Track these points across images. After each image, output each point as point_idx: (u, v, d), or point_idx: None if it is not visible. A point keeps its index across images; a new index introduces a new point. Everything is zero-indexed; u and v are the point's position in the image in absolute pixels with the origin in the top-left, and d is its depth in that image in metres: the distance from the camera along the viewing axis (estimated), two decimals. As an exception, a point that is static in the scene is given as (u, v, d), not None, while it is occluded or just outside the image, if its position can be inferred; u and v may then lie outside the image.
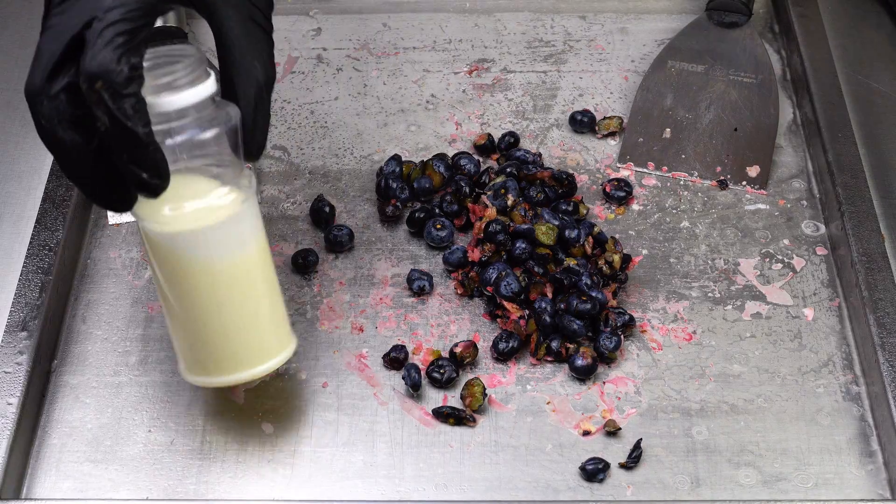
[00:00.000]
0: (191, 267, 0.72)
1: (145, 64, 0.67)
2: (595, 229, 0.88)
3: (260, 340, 0.76)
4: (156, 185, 0.67)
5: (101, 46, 0.64)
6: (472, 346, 0.84)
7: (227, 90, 0.71)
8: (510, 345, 0.84)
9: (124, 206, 0.70)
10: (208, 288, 0.73)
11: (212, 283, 0.73)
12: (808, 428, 0.81)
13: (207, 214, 0.71)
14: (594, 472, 0.78)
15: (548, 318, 0.83)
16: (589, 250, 0.87)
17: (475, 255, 0.87)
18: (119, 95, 0.64)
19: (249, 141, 0.71)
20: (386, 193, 0.93)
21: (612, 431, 0.80)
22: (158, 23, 0.75)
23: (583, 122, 0.98)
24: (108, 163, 0.67)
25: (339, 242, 0.90)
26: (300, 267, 0.89)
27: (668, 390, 0.83)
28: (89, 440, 0.80)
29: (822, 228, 0.92)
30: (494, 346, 0.84)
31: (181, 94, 0.69)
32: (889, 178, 0.94)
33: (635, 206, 0.93)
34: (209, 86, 0.70)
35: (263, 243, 0.75)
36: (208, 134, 0.70)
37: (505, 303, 0.84)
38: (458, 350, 0.83)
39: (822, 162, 0.94)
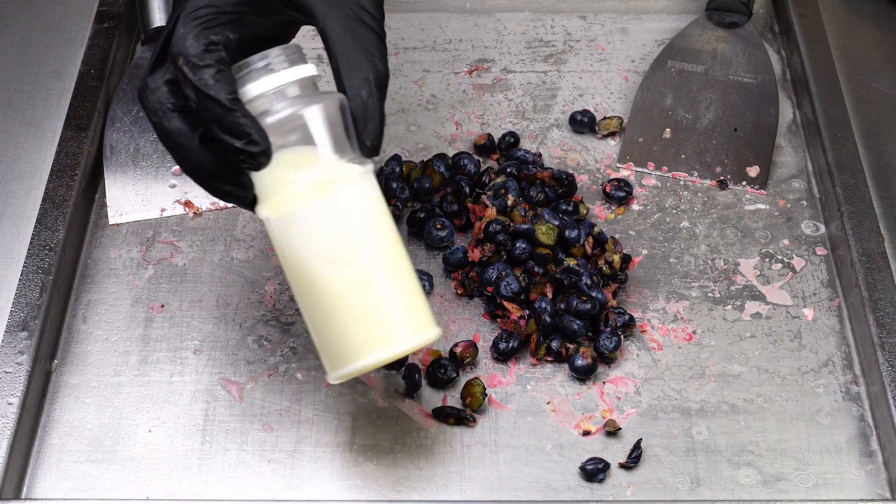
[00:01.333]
0: (316, 246, 0.72)
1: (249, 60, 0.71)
2: (595, 229, 0.88)
3: (414, 310, 0.73)
4: (253, 152, 0.69)
5: (181, 31, 0.69)
6: (472, 346, 0.84)
7: (338, 87, 0.72)
8: (510, 345, 0.84)
9: (241, 190, 0.71)
10: (363, 253, 0.72)
11: (367, 244, 0.72)
12: (808, 428, 0.81)
13: (326, 186, 0.71)
14: (594, 472, 0.78)
15: (548, 318, 0.83)
16: (589, 250, 0.87)
17: (475, 255, 0.87)
18: (197, 67, 0.68)
19: (361, 131, 0.71)
20: (386, 193, 0.92)
21: (612, 431, 0.80)
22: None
23: (583, 122, 0.98)
24: (215, 150, 0.70)
25: (339, 242, 0.90)
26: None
27: (668, 390, 0.83)
28: (89, 440, 0.80)
29: (822, 228, 0.92)
30: (494, 346, 0.84)
31: (275, 74, 0.71)
32: (889, 178, 0.94)
33: (635, 206, 0.94)
34: (305, 69, 0.71)
35: (388, 219, 0.73)
36: (310, 111, 0.70)
37: (505, 303, 0.84)
38: (458, 350, 0.83)
39: (822, 162, 0.94)
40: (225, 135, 0.68)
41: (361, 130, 0.71)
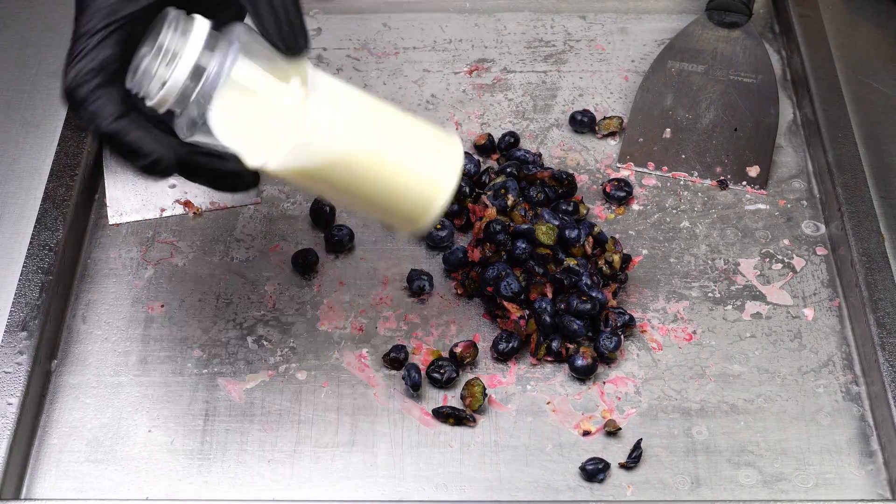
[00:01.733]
0: (332, 158, 0.70)
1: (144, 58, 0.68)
2: (595, 229, 0.88)
3: (439, 133, 0.73)
4: (153, 164, 0.69)
5: (81, 108, 0.69)
6: (472, 346, 0.84)
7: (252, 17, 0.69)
8: (510, 345, 0.84)
9: (239, 185, 0.72)
10: (366, 155, 0.71)
11: (360, 154, 0.71)
12: (808, 428, 0.81)
13: (300, 111, 0.68)
14: (594, 472, 0.78)
15: (548, 318, 0.83)
16: (589, 250, 0.87)
17: (475, 255, 0.87)
18: (83, 103, 0.69)
19: (275, 35, 0.68)
20: (386, 193, 0.92)
21: (612, 431, 0.80)
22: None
23: (583, 122, 0.98)
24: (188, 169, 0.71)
25: (339, 242, 0.90)
26: (300, 267, 0.89)
27: (668, 390, 0.83)
28: (89, 440, 0.80)
29: (822, 228, 0.92)
30: (494, 346, 0.84)
31: (175, 66, 0.67)
32: (889, 178, 0.94)
33: (635, 206, 0.93)
34: (197, 33, 0.68)
35: (361, 96, 0.72)
36: (225, 66, 0.67)
37: (505, 303, 0.84)
38: (458, 350, 0.83)
39: (822, 162, 0.94)
40: (128, 158, 0.69)
41: (274, 35, 0.68)
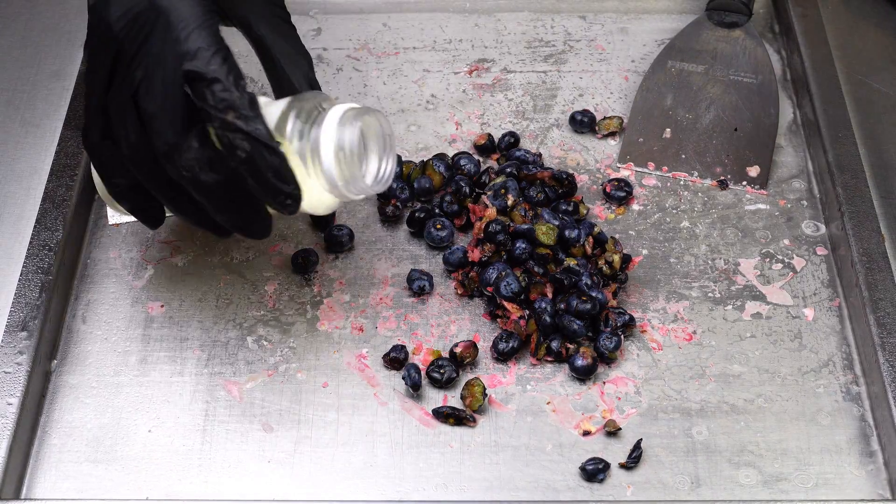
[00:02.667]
0: None
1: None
2: (595, 229, 0.88)
3: None
4: (295, 194, 0.73)
5: (216, 85, 0.71)
6: (472, 346, 0.84)
7: (281, 84, 0.79)
8: (510, 345, 0.84)
9: (266, 231, 0.77)
10: None
11: None
12: (809, 428, 0.81)
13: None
14: (594, 472, 0.78)
15: (548, 318, 0.83)
16: (589, 250, 0.87)
17: (475, 255, 0.87)
18: (249, 118, 0.71)
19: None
20: (386, 193, 0.93)
21: (612, 431, 0.80)
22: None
23: (583, 122, 0.98)
24: (243, 198, 0.75)
25: (339, 242, 0.90)
26: (300, 267, 0.89)
27: (668, 390, 0.83)
28: (89, 440, 0.80)
29: (823, 228, 0.92)
30: (494, 346, 0.84)
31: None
32: (889, 178, 0.94)
33: (635, 206, 0.93)
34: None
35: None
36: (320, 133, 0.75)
37: (505, 303, 0.84)
38: (458, 350, 0.83)
39: (822, 162, 0.94)
40: (276, 181, 0.72)
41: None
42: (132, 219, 0.91)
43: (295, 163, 0.74)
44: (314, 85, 0.80)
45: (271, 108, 0.75)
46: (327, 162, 0.74)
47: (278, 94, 0.80)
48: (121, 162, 0.76)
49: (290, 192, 0.73)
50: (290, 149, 0.74)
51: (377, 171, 0.78)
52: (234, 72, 0.72)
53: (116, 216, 0.92)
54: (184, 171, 0.72)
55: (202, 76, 0.71)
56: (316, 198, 0.77)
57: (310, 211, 0.78)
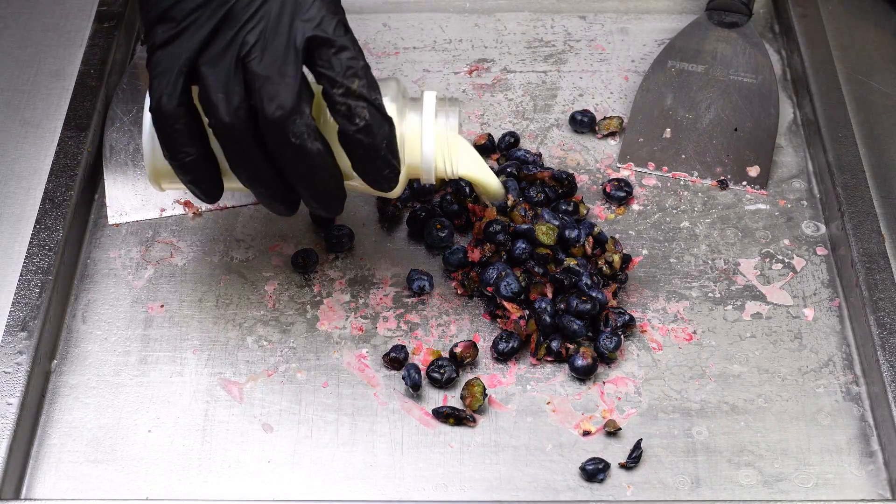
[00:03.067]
0: None
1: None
2: (595, 229, 0.88)
3: None
4: (398, 170, 0.75)
5: (344, 53, 0.71)
6: (472, 346, 0.84)
7: None
8: (510, 345, 0.84)
9: (341, 207, 0.78)
10: None
11: None
12: (809, 428, 0.81)
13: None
14: (594, 472, 0.78)
15: (548, 318, 0.83)
16: (589, 250, 0.87)
17: (475, 255, 0.87)
18: (374, 88, 0.72)
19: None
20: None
21: (612, 431, 0.80)
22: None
23: (583, 122, 0.98)
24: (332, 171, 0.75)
25: (339, 242, 0.90)
26: (300, 267, 0.89)
27: (668, 390, 0.83)
28: (89, 440, 0.80)
29: (823, 228, 0.92)
30: (494, 346, 0.84)
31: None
32: (889, 178, 0.94)
33: (635, 206, 0.93)
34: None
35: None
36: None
37: (505, 303, 0.84)
38: (458, 350, 0.83)
39: (822, 162, 0.94)
40: (388, 152, 0.74)
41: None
42: (132, 219, 0.91)
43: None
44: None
45: None
46: (428, 146, 0.77)
47: None
48: (194, 131, 0.74)
49: (395, 166, 0.74)
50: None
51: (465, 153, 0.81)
52: (356, 41, 0.72)
53: (116, 216, 0.92)
54: (294, 137, 0.71)
55: (331, 43, 0.71)
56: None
57: (384, 193, 0.79)
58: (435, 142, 0.78)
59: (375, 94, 0.72)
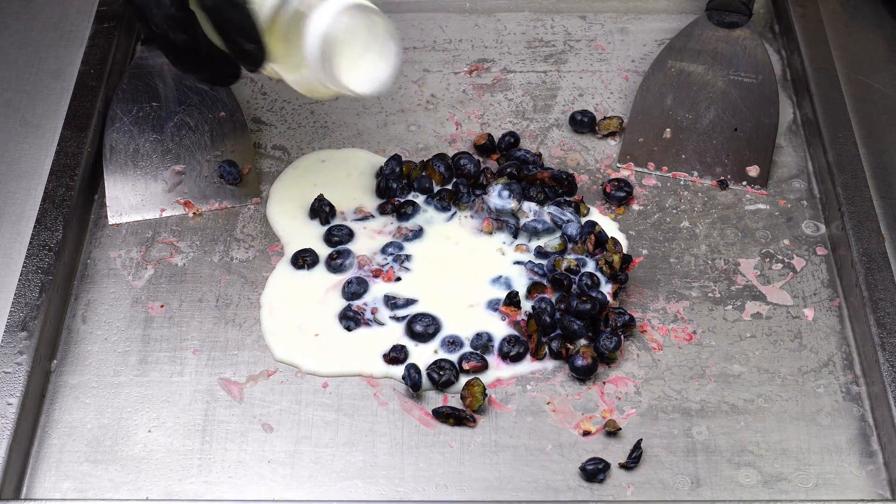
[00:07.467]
0: None
1: None
2: (596, 228, 0.88)
3: None
4: (256, 54, 0.78)
5: None
6: (482, 366, 0.83)
7: None
8: (516, 349, 0.84)
9: (233, 78, 0.83)
10: None
11: None
12: (809, 428, 0.81)
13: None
14: (594, 472, 0.78)
15: (548, 318, 0.83)
16: (590, 249, 0.87)
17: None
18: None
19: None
20: (386, 193, 0.93)
21: (612, 431, 0.80)
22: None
23: (583, 122, 0.98)
24: (210, 55, 0.80)
25: (339, 242, 0.90)
26: (300, 267, 0.89)
27: (668, 390, 0.83)
28: (89, 440, 0.80)
29: (822, 228, 0.92)
30: (500, 348, 0.84)
31: None
32: (889, 178, 0.94)
33: (635, 206, 0.93)
34: None
35: None
36: None
37: (503, 308, 0.84)
38: (467, 367, 0.83)
39: (822, 162, 0.94)
40: (238, 36, 0.77)
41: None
42: (132, 219, 0.91)
43: (285, 34, 0.77)
44: None
45: None
46: (311, 44, 0.77)
47: None
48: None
49: (250, 50, 0.77)
50: (283, 20, 0.77)
51: (366, 73, 0.79)
52: None
53: (116, 216, 0.92)
54: (154, 27, 0.78)
55: None
56: (309, 80, 0.79)
57: (305, 93, 0.80)
58: (320, 44, 0.77)
59: None
